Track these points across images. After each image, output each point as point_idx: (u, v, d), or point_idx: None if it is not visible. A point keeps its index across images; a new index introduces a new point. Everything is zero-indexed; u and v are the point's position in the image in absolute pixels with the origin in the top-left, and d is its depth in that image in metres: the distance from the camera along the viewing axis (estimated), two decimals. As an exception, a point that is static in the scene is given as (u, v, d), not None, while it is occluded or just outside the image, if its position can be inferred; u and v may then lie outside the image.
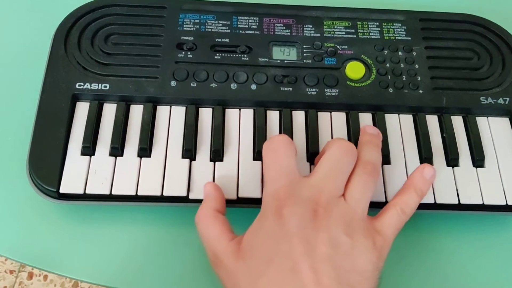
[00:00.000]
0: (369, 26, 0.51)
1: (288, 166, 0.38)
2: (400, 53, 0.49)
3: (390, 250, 0.37)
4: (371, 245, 0.36)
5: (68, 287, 1.19)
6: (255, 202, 0.41)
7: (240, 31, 0.50)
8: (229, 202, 0.42)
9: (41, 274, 1.21)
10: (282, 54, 0.49)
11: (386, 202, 0.42)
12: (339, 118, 0.46)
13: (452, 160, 0.45)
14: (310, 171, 0.43)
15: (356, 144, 0.41)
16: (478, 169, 0.45)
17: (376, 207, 0.42)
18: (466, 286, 0.43)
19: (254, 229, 0.37)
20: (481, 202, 0.43)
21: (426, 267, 0.43)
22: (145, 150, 0.43)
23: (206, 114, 0.46)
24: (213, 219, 0.38)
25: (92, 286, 1.18)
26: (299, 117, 0.46)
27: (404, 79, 0.48)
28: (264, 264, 0.34)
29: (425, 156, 0.44)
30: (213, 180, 0.42)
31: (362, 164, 0.39)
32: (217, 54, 0.48)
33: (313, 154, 0.44)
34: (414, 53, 0.50)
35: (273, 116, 0.46)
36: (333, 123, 0.46)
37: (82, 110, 0.45)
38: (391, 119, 0.47)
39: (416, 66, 0.49)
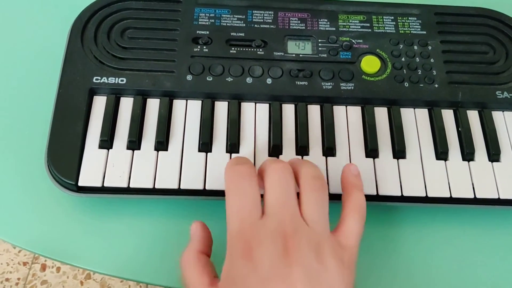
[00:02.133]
0: (384, 20, 0.51)
1: (253, 201, 0.36)
2: (415, 47, 0.49)
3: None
4: (340, 265, 0.34)
5: (80, 279, 1.20)
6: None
7: (255, 25, 0.50)
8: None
9: (54, 266, 1.22)
10: (297, 48, 0.49)
11: (402, 196, 0.42)
12: (355, 112, 0.46)
13: (467, 154, 0.45)
14: (326, 165, 0.43)
15: None
16: (494, 163, 0.45)
17: (391, 200, 0.43)
18: (475, 279, 0.43)
19: (226, 276, 0.35)
20: (497, 197, 0.43)
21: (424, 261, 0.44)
22: (162, 144, 0.43)
23: (221, 108, 0.46)
24: (195, 262, 0.37)
25: (104, 277, 1.19)
26: (314, 111, 0.46)
27: (419, 73, 0.48)
28: None
29: (441, 150, 0.44)
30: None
31: (307, 181, 0.37)
32: (233, 48, 0.48)
33: (328, 148, 0.44)
34: (430, 47, 0.49)
35: (288, 110, 0.46)
36: (348, 117, 0.46)
37: (99, 104, 0.45)
38: (407, 113, 0.47)
39: (432, 60, 0.49)
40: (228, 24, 0.50)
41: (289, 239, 0.34)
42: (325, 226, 0.36)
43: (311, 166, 0.38)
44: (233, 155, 0.44)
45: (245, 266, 0.34)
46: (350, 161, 0.44)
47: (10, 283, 1.20)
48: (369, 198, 0.42)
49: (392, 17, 0.51)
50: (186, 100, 0.46)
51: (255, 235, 0.34)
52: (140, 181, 0.42)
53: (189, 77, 0.46)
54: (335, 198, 0.41)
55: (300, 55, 0.48)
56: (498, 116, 0.47)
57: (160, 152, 0.43)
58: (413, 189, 0.43)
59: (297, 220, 0.35)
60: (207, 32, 0.49)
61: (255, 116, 0.46)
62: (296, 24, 0.50)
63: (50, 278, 1.21)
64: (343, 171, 0.41)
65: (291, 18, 0.51)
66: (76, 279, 1.20)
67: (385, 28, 0.51)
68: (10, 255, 1.24)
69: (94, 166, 0.42)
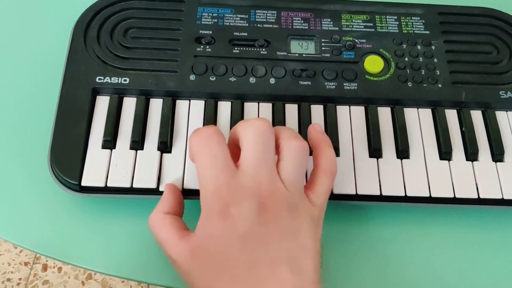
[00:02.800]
0: (388, 19, 0.51)
1: (224, 159, 0.36)
2: (418, 47, 0.49)
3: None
4: (311, 223, 0.36)
5: (82, 279, 1.20)
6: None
7: (258, 25, 0.50)
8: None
9: (56, 266, 1.22)
10: (300, 48, 0.49)
11: (406, 196, 0.42)
12: (358, 112, 0.46)
13: (471, 154, 0.44)
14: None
15: None
16: (498, 163, 0.44)
17: (395, 200, 0.43)
18: (479, 280, 0.43)
19: (202, 231, 0.36)
20: (500, 197, 0.43)
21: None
22: (165, 144, 0.43)
23: (225, 108, 0.46)
24: (162, 221, 0.38)
25: (105, 278, 1.19)
26: (317, 111, 0.46)
27: (423, 73, 0.48)
28: (218, 268, 0.34)
29: (445, 150, 0.44)
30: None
31: (287, 141, 0.37)
32: (236, 48, 0.48)
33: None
34: (433, 47, 0.49)
35: (291, 110, 0.46)
36: (352, 117, 0.46)
37: (102, 103, 0.45)
38: (410, 113, 0.46)
39: (435, 60, 0.49)
40: (231, 24, 0.50)
41: (266, 199, 0.35)
42: (300, 187, 0.37)
43: (292, 130, 0.39)
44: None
45: (222, 224, 0.35)
46: (353, 161, 0.44)
47: (12, 283, 1.20)
48: (372, 198, 0.43)
49: (396, 17, 0.51)
50: (189, 100, 0.46)
51: (233, 193, 0.35)
52: (143, 181, 0.42)
53: (192, 77, 0.46)
54: (337, 198, 0.42)
55: (303, 55, 0.48)
56: (501, 116, 0.47)
57: (163, 152, 0.43)
58: (417, 189, 0.43)
59: (274, 180, 0.36)
60: (210, 32, 0.49)
61: (258, 116, 0.46)
62: (299, 24, 0.50)
63: (52, 278, 1.21)
64: (309, 130, 0.42)
65: (294, 18, 0.51)
66: (77, 279, 1.20)
67: (388, 28, 0.51)
68: (11, 255, 1.24)
69: (97, 166, 0.42)
